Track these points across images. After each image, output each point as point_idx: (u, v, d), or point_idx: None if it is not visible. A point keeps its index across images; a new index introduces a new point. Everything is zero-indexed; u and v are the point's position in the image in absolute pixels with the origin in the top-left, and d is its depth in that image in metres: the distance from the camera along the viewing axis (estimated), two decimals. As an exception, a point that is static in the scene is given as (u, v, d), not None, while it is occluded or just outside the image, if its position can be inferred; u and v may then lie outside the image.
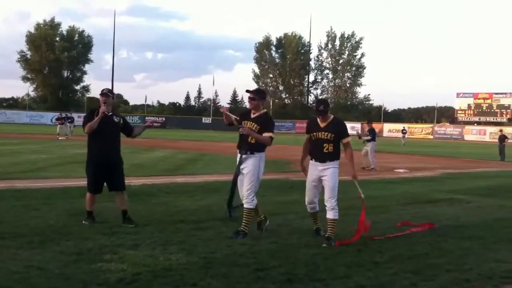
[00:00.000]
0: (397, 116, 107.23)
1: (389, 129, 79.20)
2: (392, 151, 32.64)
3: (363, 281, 5.20)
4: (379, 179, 15.82)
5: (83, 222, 7.45)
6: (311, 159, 7.06)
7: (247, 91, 7.32)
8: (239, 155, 7.21)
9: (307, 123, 7.37)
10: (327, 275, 5.35)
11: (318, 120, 6.97)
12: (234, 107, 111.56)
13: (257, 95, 7.29)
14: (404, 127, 58.22)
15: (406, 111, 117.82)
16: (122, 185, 7.64)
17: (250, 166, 7.03)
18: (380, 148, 36.96)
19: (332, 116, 7.00)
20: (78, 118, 67.99)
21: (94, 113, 7.54)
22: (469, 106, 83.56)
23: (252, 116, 7.23)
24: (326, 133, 6.85)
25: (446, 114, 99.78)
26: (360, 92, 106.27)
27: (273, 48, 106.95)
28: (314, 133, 6.98)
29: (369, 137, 19.76)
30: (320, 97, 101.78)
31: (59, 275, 5.01)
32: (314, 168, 6.98)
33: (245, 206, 6.99)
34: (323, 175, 6.89)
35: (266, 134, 7.07)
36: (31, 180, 12.02)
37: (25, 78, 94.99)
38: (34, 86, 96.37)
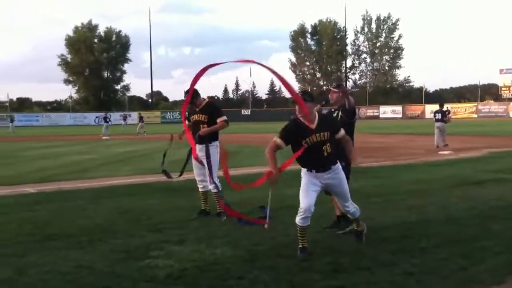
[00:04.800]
0: (439, 96, 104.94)
1: (431, 110, 77.52)
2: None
3: (410, 268, 5.13)
4: (424, 162, 15.55)
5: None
6: None
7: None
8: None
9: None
10: (372, 263, 5.30)
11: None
12: (272, 97, 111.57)
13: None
14: (447, 108, 56.96)
15: (448, 91, 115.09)
16: None
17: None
18: (424, 130, 36.46)
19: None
20: (119, 117, 69.77)
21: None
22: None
23: (197, 109, 7.76)
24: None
25: (489, 92, 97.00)
26: (399, 75, 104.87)
27: (308, 36, 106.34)
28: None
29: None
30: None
31: (108, 273, 5.13)
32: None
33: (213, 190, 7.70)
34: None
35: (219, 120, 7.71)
36: (78, 181, 12.31)
37: (66, 81, 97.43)
38: (76, 88, 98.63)
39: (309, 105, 5.63)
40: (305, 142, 5.57)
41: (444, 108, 22.92)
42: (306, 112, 5.57)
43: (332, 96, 7.05)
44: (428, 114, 76.82)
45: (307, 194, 5.68)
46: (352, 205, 5.99)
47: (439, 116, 22.04)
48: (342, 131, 5.79)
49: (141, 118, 42.41)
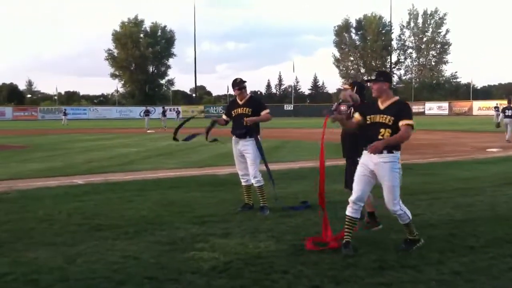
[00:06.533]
0: (487, 92, 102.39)
1: (479, 107, 75.75)
2: (484, 130, 31.25)
3: (458, 267, 5.02)
4: (471, 159, 15.19)
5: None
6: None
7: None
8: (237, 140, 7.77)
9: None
10: (419, 261, 5.21)
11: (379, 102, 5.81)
12: (315, 93, 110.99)
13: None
14: (497, 104, 55.52)
15: (496, 87, 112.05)
16: None
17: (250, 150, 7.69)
18: (471, 127, 35.66)
19: (396, 98, 5.89)
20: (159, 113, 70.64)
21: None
22: None
23: (240, 102, 7.79)
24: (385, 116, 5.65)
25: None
26: (446, 70, 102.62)
27: (353, 31, 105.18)
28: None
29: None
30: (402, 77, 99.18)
31: (154, 264, 5.21)
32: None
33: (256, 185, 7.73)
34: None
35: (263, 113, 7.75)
36: (124, 173, 12.55)
37: (113, 75, 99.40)
38: (122, 82, 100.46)
39: (379, 85, 5.77)
40: (369, 118, 5.72)
41: (493, 104, 22.65)
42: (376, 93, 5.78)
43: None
44: (476, 111, 75.07)
45: (357, 181, 5.69)
46: (400, 205, 5.61)
47: (509, 112, 22.34)
48: (408, 121, 5.52)
49: (164, 112, 42.87)
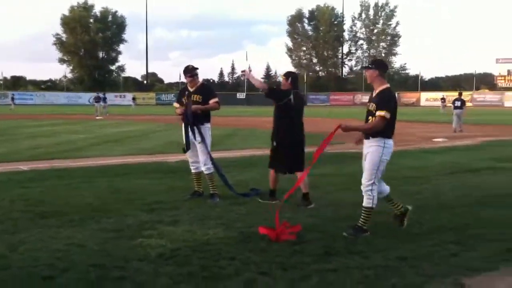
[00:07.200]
0: (435, 84, 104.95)
1: (427, 98, 77.68)
2: (430, 121, 32.07)
3: (404, 253, 5.12)
4: (418, 149, 15.56)
5: (263, 201, 7.52)
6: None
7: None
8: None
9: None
10: (366, 248, 5.29)
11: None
12: (268, 81, 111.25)
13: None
14: (443, 96, 57.11)
15: (443, 79, 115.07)
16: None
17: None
18: (419, 117, 36.50)
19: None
20: (115, 98, 69.69)
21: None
22: (509, 72, 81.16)
23: (191, 89, 7.78)
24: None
25: (485, 81, 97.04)
26: (395, 62, 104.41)
27: (306, 21, 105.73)
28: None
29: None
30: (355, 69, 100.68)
31: (99, 251, 5.10)
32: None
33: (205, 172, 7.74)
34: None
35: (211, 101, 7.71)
36: (71, 160, 12.26)
37: (61, 60, 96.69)
38: (71, 67, 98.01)
39: (370, 72, 5.95)
40: (367, 106, 6.01)
41: (439, 96, 23.55)
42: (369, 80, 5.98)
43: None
44: (423, 102, 76.96)
45: (364, 168, 5.96)
46: (371, 188, 5.80)
47: (458, 103, 24.07)
48: (380, 113, 5.71)
49: (104, 99, 41.95)
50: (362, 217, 5.89)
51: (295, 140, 7.44)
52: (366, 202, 5.87)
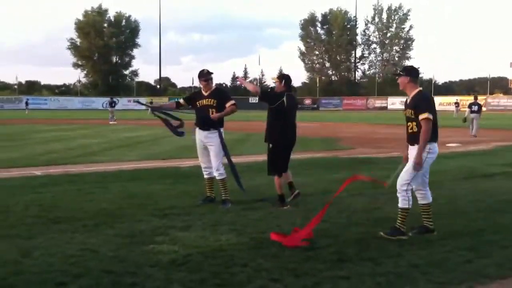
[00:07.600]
0: (448, 88, 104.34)
1: (440, 102, 77.09)
2: (444, 125, 31.81)
3: (416, 260, 5.10)
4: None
5: (274, 207, 7.52)
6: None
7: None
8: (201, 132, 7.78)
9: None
10: (378, 254, 5.27)
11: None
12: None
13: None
14: (457, 100, 56.74)
15: (457, 83, 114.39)
16: None
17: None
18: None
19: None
20: (128, 102, 69.95)
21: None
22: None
23: (205, 94, 7.77)
24: None
25: (499, 85, 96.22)
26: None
27: (319, 25, 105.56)
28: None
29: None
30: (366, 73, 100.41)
31: (112, 257, 5.12)
32: None
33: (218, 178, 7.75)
34: None
35: (227, 104, 7.71)
36: (84, 165, 12.33)
37: (75, 65, 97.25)
38: (85, 72, 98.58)
39: (401, 79, 6.10)
40: (404, 113, 6.13)
41: (453, 100, 23.41)
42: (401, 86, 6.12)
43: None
44: (437, 106, 76.05)
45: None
46: (406, 188, 5.91)
47: (475, 108, 23.99)
48: (422, 116, 5.82)
49: (112, 103, 40.24)
50: (399, 218, 5.95)
51: (289, 143, 7.72)
52: (401, 203, 5.96)
